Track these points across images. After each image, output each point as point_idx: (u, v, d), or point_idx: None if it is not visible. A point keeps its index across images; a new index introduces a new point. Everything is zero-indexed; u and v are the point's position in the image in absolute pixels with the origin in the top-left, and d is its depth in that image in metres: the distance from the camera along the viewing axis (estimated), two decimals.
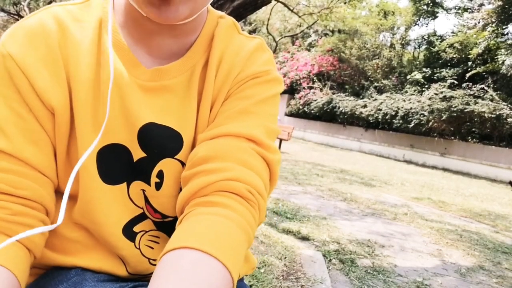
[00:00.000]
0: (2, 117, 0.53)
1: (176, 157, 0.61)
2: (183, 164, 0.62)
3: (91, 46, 0.57)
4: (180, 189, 0.62)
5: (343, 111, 17.02)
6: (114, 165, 0.59)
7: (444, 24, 54.19)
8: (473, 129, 13.65)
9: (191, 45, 0.64)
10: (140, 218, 0.62)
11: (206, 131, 0.60)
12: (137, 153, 0.60)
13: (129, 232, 0.62)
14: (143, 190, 0.61)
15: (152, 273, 0.63)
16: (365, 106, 16.44)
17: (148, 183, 0.61)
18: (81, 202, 0.59)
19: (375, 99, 16.36)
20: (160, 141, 0.60)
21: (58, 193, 0.61)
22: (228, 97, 0.63)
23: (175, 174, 0.61)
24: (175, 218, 0.64)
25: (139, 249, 0.63)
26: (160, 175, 0.61)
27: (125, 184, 0.61)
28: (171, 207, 0.63)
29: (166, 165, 0.61)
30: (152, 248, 0.64)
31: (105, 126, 0.57)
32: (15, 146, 0.53)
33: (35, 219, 0.53)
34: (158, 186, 0.61)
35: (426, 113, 13.92)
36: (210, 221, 0.48)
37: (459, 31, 16.38)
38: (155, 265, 0.64)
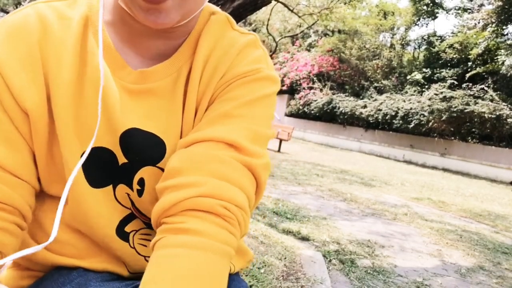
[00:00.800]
0: None
1: (157, 165, 0.58)
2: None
3: (75, 45, 0.55)
4: None
5: (343, 111, 17.03)
6: (99, 168, 0.58)
7: (444, 25, 54.23)
8: (473, 130, 13.66)
9: (181, 44, 0.60)
10: (130, 218, 0.62)
11: (185, 137, 0.57)
12: (121, 158, 0.58)
13: (121, 232, 0.61)
14: (128, 194, 0.60)
15: None
16: (365, 106, 16.45)
17: (131, 189, 0.60)
18: (71, 205, 0.58)
19: (375, 100, 16.37)
20: (142, 148, 0.57)
21: (47, 196, 0.60)
22: (213, 100, 0.59)
23: (156, 182, 0.58)
24: None
25: (134, 248, 0.62)
26: (141, 182, 0.59)
27: (111, 186, 0.59)
28: None
29: (147, 173, 0.59)
30: (146, 246, 0.63)
31: (88, 130, 0.55)
32: None
33: (6, 221, 0.51)
34: (140, 193, 0.60)
35: (426, 114, 13.93)
36: (175, 259, 0.45)
37: (459, 32, 16.40)
38: None
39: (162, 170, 0.58)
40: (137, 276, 0.65)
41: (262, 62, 0.62)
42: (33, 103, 0.53)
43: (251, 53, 0.62)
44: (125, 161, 0.58)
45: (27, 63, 0.53)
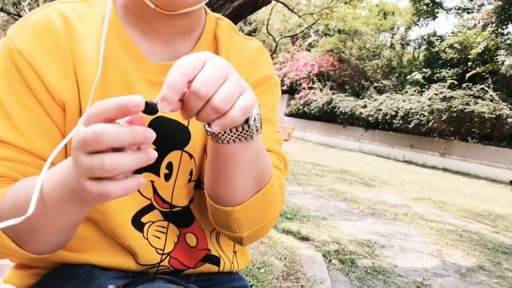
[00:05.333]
0: (13, 112, 0.55)
1: (184, 149, 0.63)
2: (191, 156, 0.64)
3: (96, 42, 0.58)
4: (188, 180, 0.64)
5: (343, 111, 17.02)
6: None
7: (444, 25, 54.27)
8: (473, 129, 13.66)
9: (195, 43, 0.66)
10: (148, 209, 0.64)
11: None
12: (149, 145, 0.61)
13: (137, 222, 0.63)
14: (152, 182, 0.63)
15: (159, 263, 0.64)
16: (365, 106, 16.45)
17: (157, 174, 0.62)
18: None
19: (375, 100, 16.36)
20: (169, 133, 0.61)
21: None
22: None
23: (184, 165, 0.63)
24: (183, 208, 0.66)
25: (147, 239, 0.63)
26: (169, 166, 0.63)
27: None
28: (180, 197, 0.65)
29: (175, 157, 0.63)
30: (159, 238, 0.64)
31: None
32: (27, 141, 0.55)
33: None
34: (167, 177, 0.63)
35: (426, 113, 13.92)
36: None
37: (459, 32, 16.40)
38: (162, 254, 0.65)
39: (189, 154, 0.63)
40: (143, 269, 0.65)
41: (272, 68, 0.73)
42: (68, 95, 0.57)
43: (264, 59, 0.72)
44: (153, 147, 0.60)
45: (57, 59, 0.56)
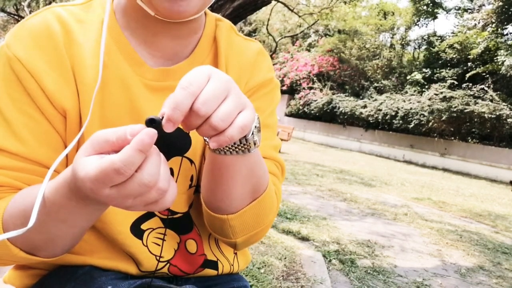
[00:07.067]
0: (14, 120, 0.54)
1: (185, 155, 0.63)
2: (191, 161, 0.63)
3: (95, 48, 0.57)
4: (189, 186, 0.64)
5: (343, 111, 17.03)
6: None
7: (444, 25, 54.28)
8: (473, 130, 13.67)
9: (195, 46, 0.65)
10: (148, 216, 0.63)
11: None
12: None
13: (137, 230, 0.62)
14: None
15: (159, 269, 0.64)
16: (365, 106, 16.46)
17: None
18: None
19: (375, 100, 16.37)
20: (169, 140, 0.61)
21: None
22: None
23: (185, 171, 0.63)
24: (184, 214, 0.66)
25: (146, 246, 0.63)
26: (170, 172, 0.62)
27: None
28: (180, 203, 0.65)
29: (175, 163, 0.62)
30: (159, 245, 0.64)
31: (114, 127, 0.58)
32: (28, 149, 0.54)
33: None
34: None
35: (426, 114, 13.93)
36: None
37: (459, 32, 16.41)
38: (162, 261, 0.65)
39: (190, 160, 0.62)
40: (144, 275, 0.65)
41: (272, 70, 0.73)
42: (68, 102, 0.56)
43: (264, 61, 0.72)
44: None
45: (57, 65, 0.55)
